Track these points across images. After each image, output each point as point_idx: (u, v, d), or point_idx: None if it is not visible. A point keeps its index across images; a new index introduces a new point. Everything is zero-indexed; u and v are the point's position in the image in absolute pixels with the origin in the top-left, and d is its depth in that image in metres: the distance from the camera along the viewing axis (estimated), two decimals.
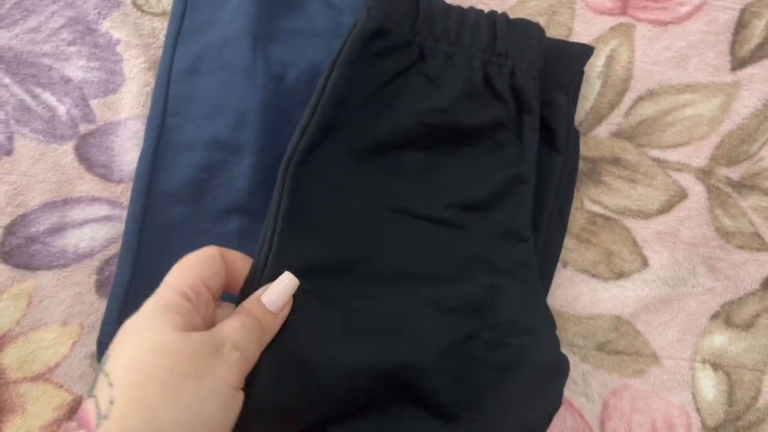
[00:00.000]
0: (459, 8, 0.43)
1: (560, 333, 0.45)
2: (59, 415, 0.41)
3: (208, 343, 0.30)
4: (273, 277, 0.37)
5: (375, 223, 0.41)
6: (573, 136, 0.46)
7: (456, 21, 0.42)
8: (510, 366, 0.39)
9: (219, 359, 0.30)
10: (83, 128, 0.46)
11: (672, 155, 0.48)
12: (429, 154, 0.43)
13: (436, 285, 0.41)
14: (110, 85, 0.46)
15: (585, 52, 0.47)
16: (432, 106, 0.42)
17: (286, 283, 0.36)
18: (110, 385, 0.26)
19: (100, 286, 0.43)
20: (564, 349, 0.44)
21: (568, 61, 0.46)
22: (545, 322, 0.41)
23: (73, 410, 0.41)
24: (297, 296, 0.37)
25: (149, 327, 0.30)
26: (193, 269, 0.33)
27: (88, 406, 0.27)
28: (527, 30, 0.43)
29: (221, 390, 0.29)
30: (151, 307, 0.31)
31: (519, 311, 0.41)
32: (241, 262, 0.36)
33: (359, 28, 0.41)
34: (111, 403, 0.26)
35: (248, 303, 0.35)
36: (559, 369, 0.40)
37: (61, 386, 0.42)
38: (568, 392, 0.44)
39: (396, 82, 0.42)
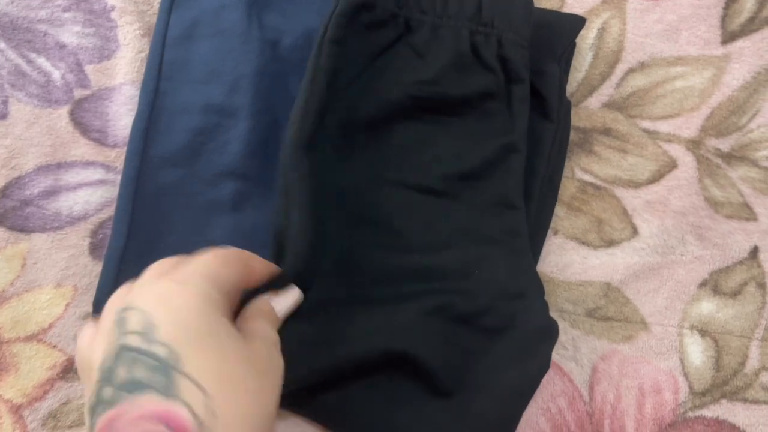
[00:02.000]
0: None
1: (550, 299, 0.45)
2: (52, 375, 0.41)
3: (266, 348, 0.30)
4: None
5: (365, 195, 0.42)
6: (564, 106, 0.47)
7: None
8: (499, 329, 0.40)
9: (272, 360, 0.30)
10: (78, 93, 0.46)
11: (662, 126, 0.49)
12: (419, 125, 0.43)
13: (423, 254, 0.41)
14: (105, 51, 0.47)
15: (577, 23, 0.47)
16: (420, 78, 0.42)
17: (294, 299, 0.37)
18: (205, 395, 0.25)
19: (94, 249, 0.44)
20: (554, 315, 0.44)
21: (559, 31, 0.47)
22: (534, 287, 0.42)
23: (66, 370, 0.42)
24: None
25: (217, 333, 0.27)
26: (234, 271, 0.31)
27: (180, 412, 0.24)
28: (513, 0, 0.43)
29: (278, 386, 0.29)
30: (200, 301, 0.28)
31: (508, 277, 0.41)
32: (260, 268, 0.35)
33: (343, 4, 0.41)
34: (214, 416, 0.24)
35: (264, 304, 0.35)
36: (548, 333, 0.40)
37: (54, 347, 0.42)
38: (557, 357, 0.44)
39: (384, 55, 0.43)
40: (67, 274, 0.43)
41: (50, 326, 0.42)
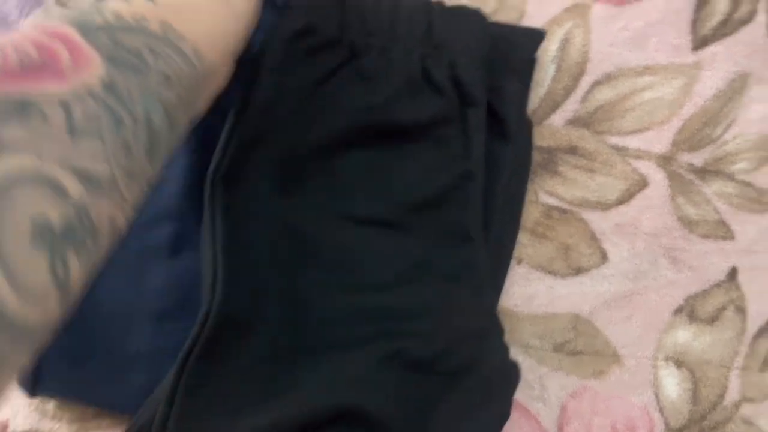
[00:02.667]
0: (391, 0, 0.40)
1: (515, 334, 0.42)
2: None
3: None
4: (224, 300, 0.36)
5: (313, 232, 0.39)
6: (525, 125, 0.44)
7: (388, 13, 0.40)
8: (457, 375, 0.37)
9: None
10: None
11: (631, 142, 0.46)
12: (370, 154, 0.40)
13: (376, 293, 0.39)
14: None
15: (536, 36, 0.44)
16: (369, 105, 0.40)
17: None
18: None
19: None
20: (519, 352, 0.42)
21: (518, 46, 0.44)
22: (494, 328, 0.39)
23: None
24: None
25: None
26: None
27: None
28: (465, 18, 0.41)
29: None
30: None
31: (466, 316, 0.39)
32: None
33: (281, 29, 0.38)
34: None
35: None
36: (509, 376, 0.38)
37: None
38: (523, 397, 0.42)
39: (329, 82, 0.40)
40: None
41: None
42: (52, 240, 0.20)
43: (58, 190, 0.20)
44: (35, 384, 0.38)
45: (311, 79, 0.40)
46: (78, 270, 0.22)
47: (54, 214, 0.20)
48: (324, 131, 0.39)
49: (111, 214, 0.23)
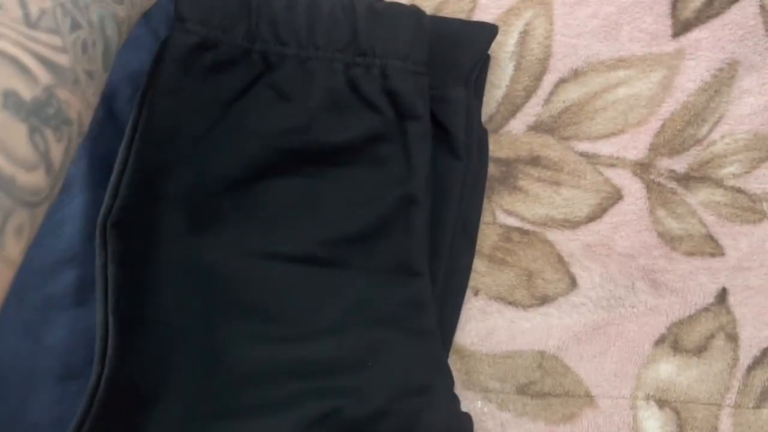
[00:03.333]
0: (307, 0, 0.34)
1: (471, 377, 0.37)
2: None
3: None
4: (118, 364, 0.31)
5: (230, 275, 0.34)
6: (477, 136, 0.38)
7: (305, 17, 0.34)
8: None
9: None
10: None
11: (603, 148, 0.40)
12: (293, 182, 0.35)
13: (305, 343, 0.34)
14: None
15: (487, 32, 0.38)
16: (287, 126, 0.34)
17: None
18: None
19: None
20: (477, 396, 0.37)
21: (466, 45, 0.38)
22: (441, 377, 0.34)
23: None
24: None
25: None
26: None
27: None
28: (398, 16, 0.35)
29: None
30: None
31: (407, 368, 0.34)
32: None
33: (173, 47, 0.32)
34: None
35: None
36: None
37: None
38: None
39: (239, 102, 0.34)
40: None
41: None
42: (27, 112, 0.21)
43: (25, 71, 0.21)
44: None
45: (217, 100, 0.34)
46: (57, 149, 0.22)
47: (25, 91, 0.21)
48: (237, 159, 0.34)
49: (78, 110, 0.24)
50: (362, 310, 0.35)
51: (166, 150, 0.33)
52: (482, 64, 0.39)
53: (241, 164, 0.35)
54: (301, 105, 0.35)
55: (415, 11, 0.36)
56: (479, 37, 0.38)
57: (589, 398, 0.37)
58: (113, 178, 0.33)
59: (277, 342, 0.34)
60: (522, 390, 0.37)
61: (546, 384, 0.37)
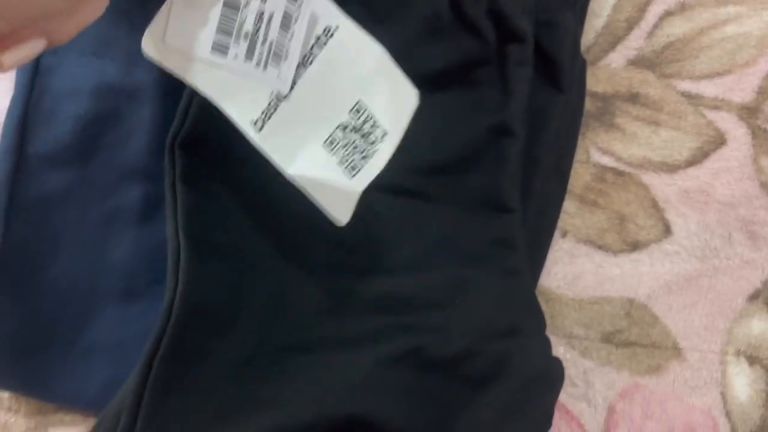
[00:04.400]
0: None
1: (556, 322, 0.35)
2: None
3: None
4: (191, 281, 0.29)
5: (310, 203, 0.32)
6: (578, 68, 0.35)
7: None
8: (485, 379, 0.31)
9: None
10: None
11: (707, 88, 0.37)
12: None
13: (387, 277, 0.31)
14: None
15: None
16: None
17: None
18: None
19: None
20: (560, 342, 0.35)
21: None
22: (532, 320, 0.32)
23: None
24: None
25: None
26: None
27: None
28: None
29: None
30: None
31: (497, 307, 0.32)
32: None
33: None
34: None
35: None
36: (550, 379, 0.31)
37: None
38: (564, 396, 0.35)
39: None
40: None
41: None
42: None
43: None
44: None
45: None
46: None
47: None
48: None
49: None
50: (449, 245, 0.33)
51: None
52: None
53: None
54: (398, 30, 0.31)
55: None
56: None
57: (676, 350, 0.36)
58: (185, 94, 0.30)
59: (357, 274, 0.32)
60: (607, 338, 0.36)
61: (632, 333, 0.36)
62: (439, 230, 0.32)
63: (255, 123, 0.26)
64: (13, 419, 0.34)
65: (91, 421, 0.34)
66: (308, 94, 0.27)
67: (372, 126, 0.28)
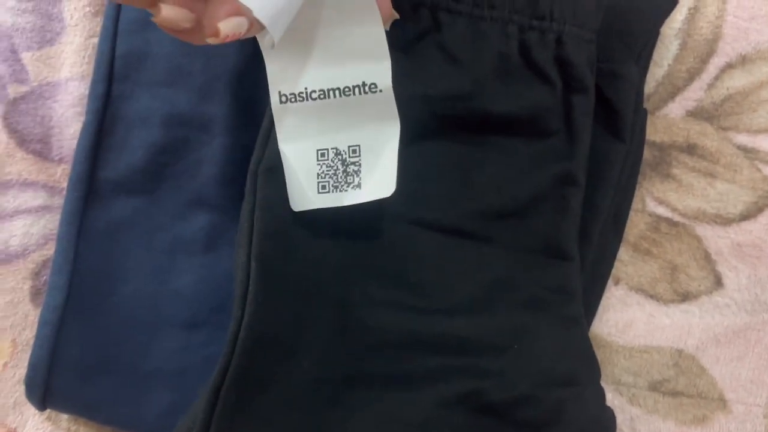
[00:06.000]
0: None
1: (605, 368, 0.36)
2: None
3: None
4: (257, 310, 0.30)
5: (372, 237, 0.32)
6: (640, 118, 0.36)
7: None
8: (540, 425, 0.31)
9: None
10: (13, 90, 0.36)
11: (764, 143, 0.37)
12: (448, 146, 0.33)
13: (446, 317, 0.32)
14: (46, 33, 0.36)
15: (665, 5, 0.36)
16: (451, 92, 0.32)
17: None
18: None
19: (36, 294, 0.35)
20: (608, 388, 0.35)
21: (641, 17, 0.35)
22: (589, 369, 0.33)
23: None
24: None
25: None
26: None
27: None
28: None
29: None
30: None
31: (554, 356, 0.32)
32: None
33: None
34: None
35: None
36: (603, 429, 0.32)
37: None
38: None
39: (402, 59, 0.32)
40: (5, 325, 0.35)
41: None
42: None
43: None
44: (45, 398, 0.32)
45: None
46: None
47: None
48: None
49: None
50: (507, 289, 0.33)
51: None
52: (653, 39, 0.36)
53: None
54: (468, 69, 0.32)
55: None
56: (656, 10, 0.35)
57: (722, 402, 0.36)
58: (265, 123, 0.31)
59: (415, 312, 0.32)
60: (655, 387, 0.36)
61: (680, 383, 0.36)
62: (500, 274, 0.33)
63: (282, 96, 0.29)
64: None
65: None
66: (332, 110, 0.29)
67: (355, 170, 0.30)
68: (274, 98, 0.29)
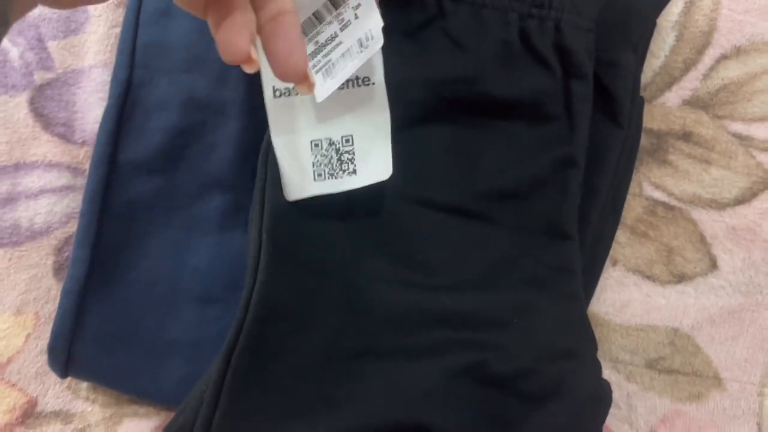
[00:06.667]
0: None
1: (603, 346, 0.37)
2: (11, 419, 0.36)
3: None
4: (268, 281, 0.31)
5: (380, 216, 0.34)
6: (637, 105, 0.37)
7: None
8: (542, 396, 0.32)
9: None
10: (39, 77, 0.38)
11: (758, 131, 0.39)
12: (453, 130, 0.35)
13: (451, 294, 0.33)
14: (71, 23, 0.38)
15: None
16: (456, 75, 0.33)
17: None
18: None
19: (58, 270, 0.37)
20: (606, 365, 0.36)
21: (638, 9, 0.37)
22: (586, 343, 0.34)
23: (27, 413, 0.36)
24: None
25: None
26: None
27: None
28: None
29: None
30: None
31: (555, 329, 0.33)
32: None
33: None
34: None
35: None
36: (601, 400, 0.33)
37: (13, 385, 0.36)
38: (608, 417, 0.37)
39: (409, 45, 0.33)
40: (28, 299, 0.37)
41: (8, 361, 0.36)
42: None
43: None
44: (66, 366, 0.34)
45: (388, 40, 0.34)
46: None
47: None
48: (400, 101, 0.33)
49: None
50: (510, 267, 0.34)
51: None
52: (650, 30, 0.38)
53: (403, 107, 0.34)
54: (471, 55, 0.34)
55: None
56: (652, 2, 0.37)
57: (717, 380, 0.37)
58: None
59: (421, 289, 0.34)
60: (651, 364, 0.37)
61: (675, 361, 0.37)
62: (503, 253, 0.34)
63: (276, 90, 0.31)
64: (90, 408, 0.36)
65: (164, 415, 0.36)
66: (324, 102, 0.31)
67: (350, 158, 0.32)
68: (267, 93, 0.31)
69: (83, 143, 0.38)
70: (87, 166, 0.37)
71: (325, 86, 0.30)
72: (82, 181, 0.37)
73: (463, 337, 0.33)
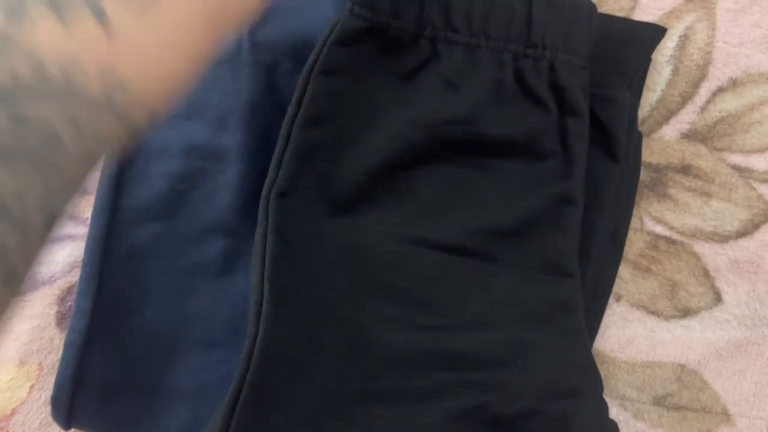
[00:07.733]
0: None
1: (609, 383, 0.37)
2: None
3: None
4: (271, 329, 0.31)
5: (379, 257, 0.34)
6: (634, 140, 0.37)
7: (481, 4, 0.33)
8: None
9: None
10: None
11: (758, 162, 0.39)
12: (450, 170, 0.35)
13: (452, 333, 0.33)
14: None
15: (655, 33, 0.37)
16: (450, 117, 0.34)
17: None
18: None
19: (61, 319, 0.37)
20: (613, 404, 0.36)
21: (631, 45, 0.37)
22: (591, 381, 0.34)
23: None
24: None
25: None
26: None
27: None
28: (573, 9, 0.34)
29: None
30: None
31: (557, 369, 0.33)
32: None
33: (338, 31, 0.32)
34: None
35: None
36: None
37: None
38: None
39: (404, 88, 0.34)
40: (31, 349, 0.37)
41: (13, 412, 0.36)
42: None
43: None
44: (70, 417, 0.34)
45: (382, 84, 0.34)
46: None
47: None
48: (397, 143, 0.34)
49: None
50: (510, 306, 0.34)
51: (327, 130, 0.33)
52: (645, 65, 0.38)
53: (399, 149, 0.34)
54: (466, 96, 0.34)
55: (589, 5, 0.35)
56: (646, 38, 0.37)
57: (726, 416, 0.37)
58: (278, 150, 0.33)
59: (422, 330, 0.34)
60: (659, 401, 0.37)
61: (683, 397, 0.37)
62: (502, 290, 0.34)
63: None
64: None
65: None
66: None
67: None
68: None
69: (84, 192, 0.38)
70: (88, 215, 0.37)
71: None
72: (83, 230, 0.37)
73: (464, 379, 0.33)
